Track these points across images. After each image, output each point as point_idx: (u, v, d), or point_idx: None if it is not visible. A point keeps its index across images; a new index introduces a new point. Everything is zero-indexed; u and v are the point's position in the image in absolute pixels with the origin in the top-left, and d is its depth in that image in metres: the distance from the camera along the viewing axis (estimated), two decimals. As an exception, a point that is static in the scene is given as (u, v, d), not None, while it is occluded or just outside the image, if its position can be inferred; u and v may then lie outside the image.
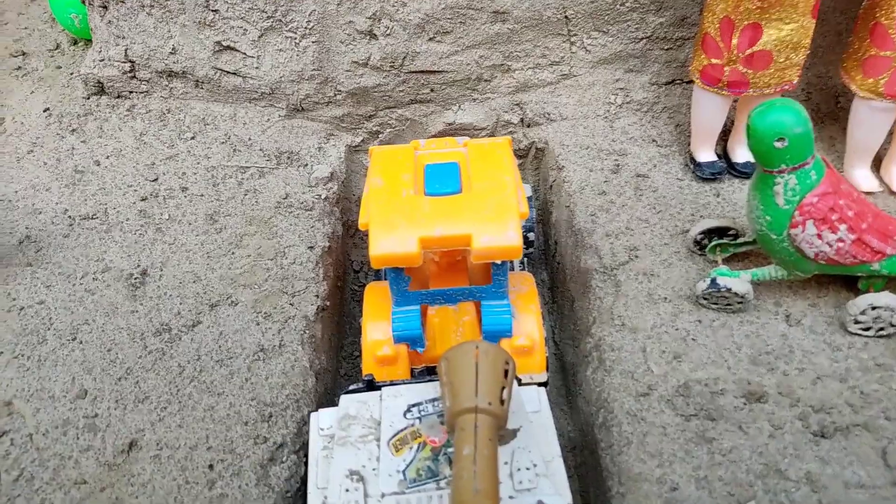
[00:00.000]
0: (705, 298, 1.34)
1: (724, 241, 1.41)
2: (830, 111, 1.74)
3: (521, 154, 1.87)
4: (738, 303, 1.33)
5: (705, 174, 1.59)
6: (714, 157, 1.61)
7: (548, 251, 1.82)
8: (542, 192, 1.86)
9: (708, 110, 1.54)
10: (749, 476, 1.13)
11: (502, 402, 0.98)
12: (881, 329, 1.29)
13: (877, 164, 1.62)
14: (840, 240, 1.22)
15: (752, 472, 1.14)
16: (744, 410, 1.21)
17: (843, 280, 1.37)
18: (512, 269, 1.60)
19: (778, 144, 1.16)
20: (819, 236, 1.22)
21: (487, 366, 0.99)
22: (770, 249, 1.30)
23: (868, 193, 1.56)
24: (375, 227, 1.18)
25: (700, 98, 1.54)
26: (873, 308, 1.27)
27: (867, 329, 1.30)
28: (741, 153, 1.61)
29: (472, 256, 1.18)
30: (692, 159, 1.63)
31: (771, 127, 1.15)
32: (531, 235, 1.69)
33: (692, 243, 1.44)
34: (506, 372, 1.01)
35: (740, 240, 1.41)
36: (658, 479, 1.14)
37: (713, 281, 1.31)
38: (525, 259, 1.67)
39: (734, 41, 1.40)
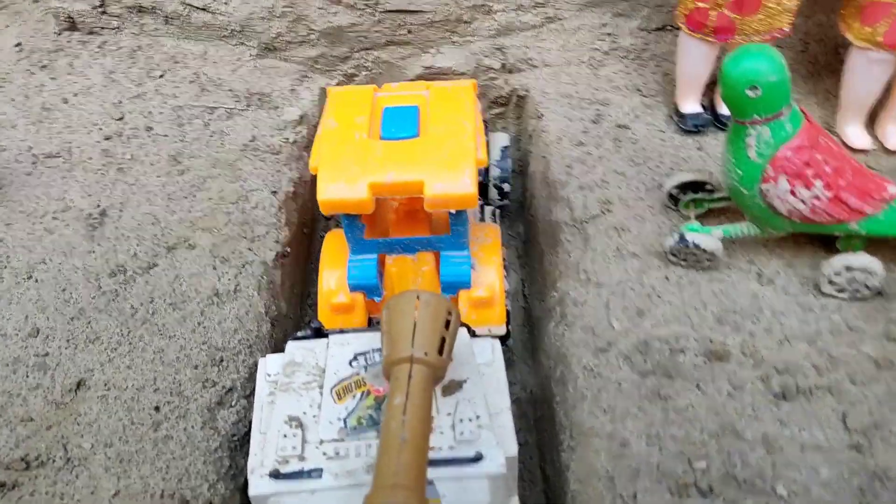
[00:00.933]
0: (674, 254, 1.29)
1: (700, 195, 1.35)
2: (828, 63, 1.65)
3: (502, 102, 1.80)
4: (708, 260, 1.28)
5: (688, 126, 1.52)
6: (699, 109, 1.54)
7: (524, 204, 1.77)
8: (522, 142, 1.80)
9: (693, 58, 1.46)
10: (703, 435, 1.10)
11: (441, 352, 0.95)
12: (856, 291, 1.24)
13: (872, 120, 1.54)
14: (815, 197, 1.16)
15: (707, 431, 1.11)
16: (704, 369, 1.18)
17: (821, 240, 1.32)
18: (482, 220, 1.56)
19: (750, 93, 1.09)
20: (792, 192, 1.16)
21: (427, 316, 0.96)
22: (742, 205, 1.24)
23: (860, 151, 1.49)
24: (324, 171, 1.14)
25: (686, 44, 1.46)
26: (848, 269, 1.21)
27: (842, 291, 1.24)
28: (727, 104, 1.54)
29: (425, 204, 1.13)
30: (676, 110, 1.56)
31: (743, 74, 1.09)
32: (506, 186, 1.63)
33: (667, 197, 1.38)
34: (447, 322, 0.98)
35: (716, 195, 1.35)
36: (609, 434, 1.12)
37: (682, 236, 1.26)
38: (498, 210, 1.62)
39: (721, -18, 1.32)
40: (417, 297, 0.97)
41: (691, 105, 1.54)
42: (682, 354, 1.20)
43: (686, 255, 1.28)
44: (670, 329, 1.23)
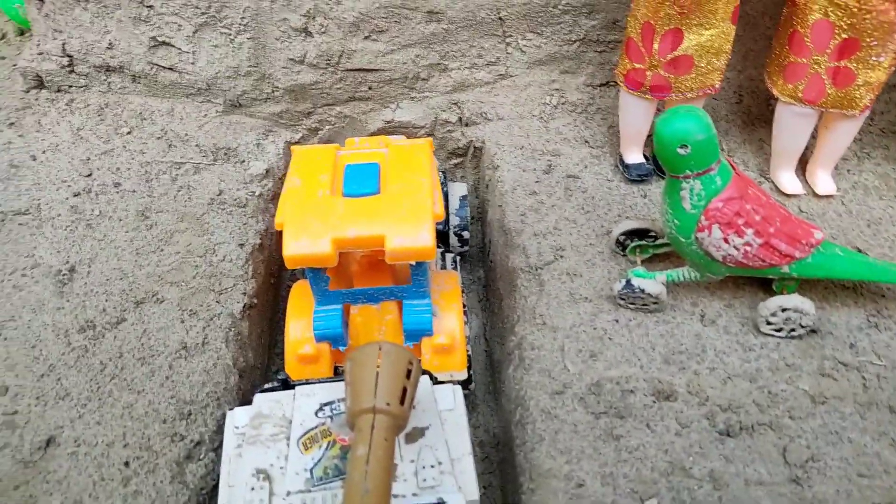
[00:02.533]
0: (622, 298, 1.37)
1: (644, 242, 1.44)
2: (762, 114, 1.77)
3: (460, 153, 1.88)
4: (653, 303, 1.36)
5: (633, 176, 1.61)
6: (641, 160, 1.64)
7: (484, 249, 1.84)
8: (480, 191, 1.88)
9: (633, 114, 1.56)
10: (653, 473, 1.16)
11: (402, 402, 1.00)
12: (792, 330, 1.32)
13: (803, 167, 1.65)
14: (747, 244, 1.25)
15: (657, 469, 1.17)
16: (653, 408, 1.24)
17: (759, 282, 1.41)
18: (443, 267, 1.62)
19: (681, 151, 1.18)
20: (725, 240, 1.25)
21: (389, 366, 1.01)
22: (681, 252, 1.32)
23: (793, 196, 1.60)
24: (289, 228, 1.19)
25: (626, 102, 1.56)
26: (783, 310, 1.30)
27: (779, 330, 1.33)
28: (668, 155, 1.64)
29: (387, 258, 1.19)
30: (621, 160, 1.65)
31: (673, 134, 1.18)
32: (466, 234, 1.71)
33: (615, 244, 1.47)
34: (409, 372, 1.03)
35: (659, 241, 1.44)
36: (566, 476, 1.17)
37: (628, 282, 1.34)
38: (458, 257, 1.68)
39: (655, 46, 1.42)
40: (380, 349, 1.02)
41: (634, 156, 1.64)
42: (632, 394, 1.26)
43: (633, 299, 1.36)
44: (621, 370, 1.30)
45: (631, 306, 1.38)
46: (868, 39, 1.35)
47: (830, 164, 1.60)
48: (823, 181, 1.60)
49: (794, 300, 1.29)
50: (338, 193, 1.24)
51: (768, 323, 1.33)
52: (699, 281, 1.37)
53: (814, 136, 1.60)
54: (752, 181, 1.28)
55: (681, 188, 1.23)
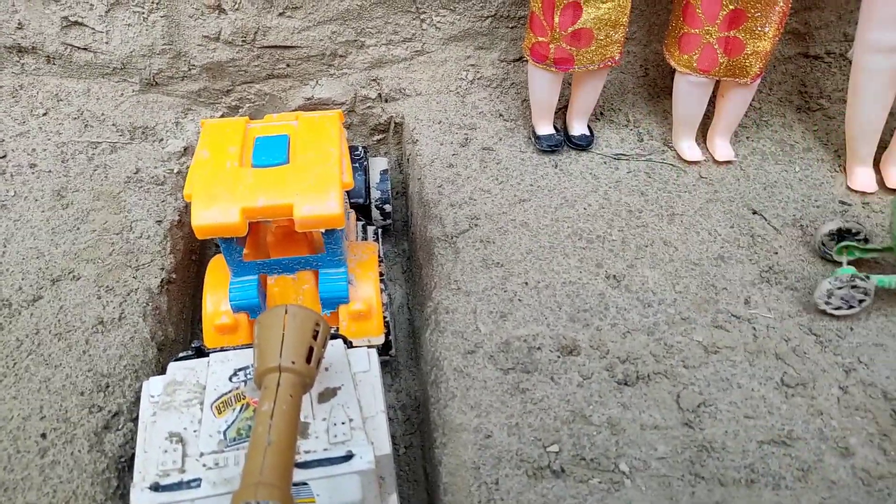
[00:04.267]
0: (831, 299, 1.36)
1: (853, 243, 1.44)
2: (666, 86, 1.85)
3: (382, 129, 1.92)
4: (860, 302, 1.36)
5: (544, 146, 1.68)
6: (552, 131, 1.70)
7: (408, 223, 1.89)
8: (403, 165, 1.92)
9: (541, 86, 1.62)
10: (556, 422, 1.23)
11: (309, 360, 1.04)
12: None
13: (704, 135, 1.74)
14: None
15: (560, 418, 1.24)
16: (557, 363, 1.31)
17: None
18: (365, 239, 1.66)
19: None
20: None
21: (294, 327, 1.04)
22: None
23: (693, 163, 1.69)
24: (198, 198, 1.21)
25: (533, 75, 1.62)
26: None
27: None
28: (577, 126, 1.71)
29: (296, 226, 1.22)
30: (533, 132, 1.71)
31: None
32: (387, 207, 1.75)
33: (820, 243, 1.47)
34: (316, 333, 1.06)
35: (870, 245, 1.44)
36: (475, 428, 1.23)
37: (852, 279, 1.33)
38: (381, 230, 1.72)
39: (556, 19, 1.48)
40: (286, 311, 1.06)
41: (545, 127, 1.70)
42: (538, 351, 1.33)
43: (849, 298, 1.36)
44: (529, 329, 1.36)
45: (835, 312, 1.36)
46: (752, 11, 1.43)
47: (728, 132, 1.69)
48: (722, 148, 1.69)
49: None
50: (247, 164, 1.26)
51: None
52: None
53: (712, 106, 1.69)
54: None
55: None
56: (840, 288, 1.35)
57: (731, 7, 1.44)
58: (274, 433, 0.94)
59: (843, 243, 1.45)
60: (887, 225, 1.47)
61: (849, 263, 1.43)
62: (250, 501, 0.85)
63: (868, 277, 1.34)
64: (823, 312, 1.38)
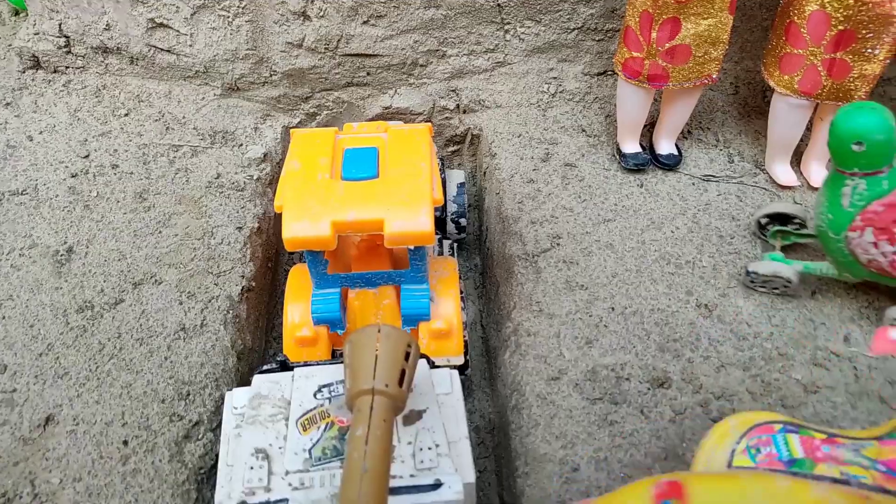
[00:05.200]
0: (752, 280, 1.39)
1: (787, 228, 1.45)
2: (758, 105, 1.79)
3: (457, 140, 1.89)
4: (784, 286, 1.38)
5: (629, 165, 1.63)
6: (638, 149, 1.65)
7: (481, 237, 1.85)
8: (478, 178, 1.89)
9: (631, 103, 1.57)
10: (647, 459, 1.18)
11: (401, 384, 1.01)
12: None
13: (798, 159, 1.67)
14: None
15: (651, 455, 1.19)
16: (647, 395, 1.26)
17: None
18: (440, 253, 1.63)
19: (855, 147, 1.17)
20: (875, 245, 1.24)
21: (387, 349, 1.02)
22: (826, 247, 1.32)
23: (787, 188, 1.62)
24: (289, 211, 1.19)
25: (623, 90, 1.57)
26: None
27: None
28: (664, 145, 1.65)
29: (385, 241, 1.20)
30: (618, 150, 1.66)
31: (852, 129, 1.16)
32: (463, 221, 1.72)
33: (756, 225, 1.48)
34: (407, 355, 1.04)
35: (803, 231, 1.44)
36: (561, 460, 1.19)
37: (761, 263, 1.37)
38: (456, 244, 1.69)
39: (654, 35, 1.43)
40: (378, 331, 1.03)
41: (631, 145, 1.65)
42: (627, 381, 1.28)
43: (764, 282, 1.38)
44: (616, 357, 1.31)
45: (761, 288, 1.40)
46: (863, 31, 1.36)
47: (825, 157, 1.61)
48: (818, 173, 1.61)
49: None
50: (337, 177, 1.25)
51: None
52: (836, 278, 1.37)
53: (809, 129, 1.62)
54: None
55: (844, 184, 1.22)
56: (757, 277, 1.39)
57: (839, 28, 1.37)
58: (369, 460, 0.91)
59: (777, 227, 1.45)
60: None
61: (783, 248, 1.45)
62: (349, 532, 0.83)
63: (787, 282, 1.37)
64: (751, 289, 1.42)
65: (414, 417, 1.14)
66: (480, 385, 1.60)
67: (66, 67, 1.82)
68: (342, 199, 1.20)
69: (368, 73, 1.75)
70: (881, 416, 1.23)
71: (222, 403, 1.28)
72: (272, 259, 1.69)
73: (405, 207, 1.20)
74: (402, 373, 1.01)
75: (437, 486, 1.04)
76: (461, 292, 1.45)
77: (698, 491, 0.82)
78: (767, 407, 1.24)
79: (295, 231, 1.18)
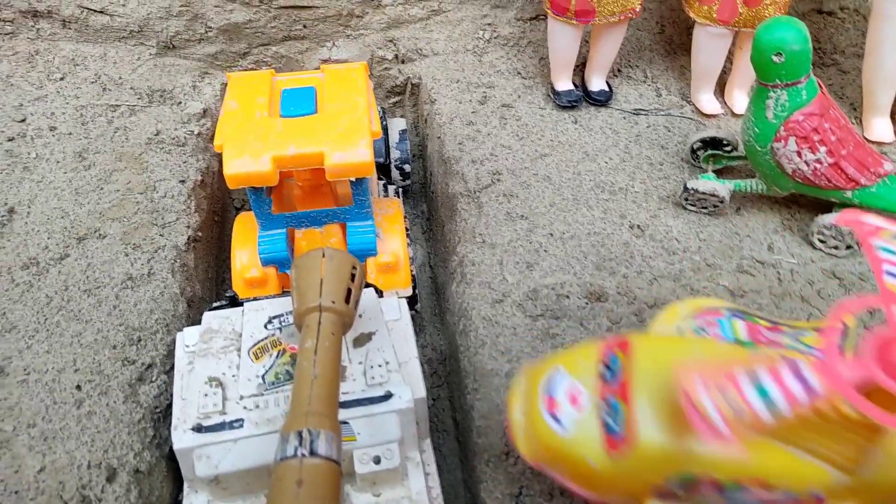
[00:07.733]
0: (686, 198, 1.47)
1: (718, 152, 1.52)
2: (682, 43, 1.86)
3: (398, 90, 1.92)
4: (715, 205, 1.45)
5: (563, 102, 1.68)
6: (571, 87, 1.70)
7: (426, 183, 1.89)
8: (419, 126, 1.93)
9: (561, 39, 1.62)
10: (587, 366, 1.24)
11: (347, 301, 1.05)
12: (848, 247, 1.40)
13: (722, 89, 1.75)
14: (818, 161, 1.31)
15: (590, 362, 1.25)
16: (586, 309, 1.33)
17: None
18: (387, 195, 1.67)
19: (775, 59, 1.23)
20: (798, 154, 1.30)
21: (332, 268, 1.05)
22: (754, 161, 1.39)
23: (711, 116, 1.69)
24: (229, 148, 1.21)
25: (553, 29, 1.62)
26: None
27: (835, 247, 1.40)
28: (596, 82, 1.71)
29: (326, 174, 1.23)
30: (552, 89, 1.72)
31: (771, 41, 1.22)
32: (407, 167, 1.75)
33: (689, 152, 1.55)
34: (353, 276, 1.07)
35: (734, 154, 1.52)
36: (507, 373, 1.24)
37: (694, 182, 1.44)
38: (401, 190, 1.73)
39: (578, -30, 1.48)
40: (323, 254, 1.07)
41: (564, 83, 1.70)
42: (567, 298, 1.34)
43: (697, 200, 1.46)
44: (556, 277, 1.37)
45: (692, 207, 1.47)
46: (772, -40, 1.44)
47: (747, 84, 1.69)
48: (741, 100, 1.69)
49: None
50: (276, 115, 1.27)
51: (821, 240, 1.40)
52: (765, 193, 1.44)
53: (731, 59, 1.70)
54: (834, 103, 1.33)
55: (767, 97, 1.29)
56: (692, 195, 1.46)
57: (751, -43, 1.44)
58: (319, 367, 0.94)
59: (710, 152, 1.53)
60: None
61: (715, 171, 1.52)
62: (301, 430, 0.86)
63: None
64: (683, 207, 1.50)
65: (364, 339, 1.17)
66: (431, 321, 1.64)
67: (-5, 34, 1.79)
68: (281, 135, 1.23)
69: (305, 26, 1.77)
70: (802, 313, 1.32)
71: (174, 347, 1.30)
72: (219, 213, 1.70)
73: (344, 140, 1.23)
74: (349, 291, 1.05)
75: (387, 396, 1.08)
76: (407, 230, 1.49)
77: (643, 346, 0.90)
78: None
79: (236, 167, 1.20)
